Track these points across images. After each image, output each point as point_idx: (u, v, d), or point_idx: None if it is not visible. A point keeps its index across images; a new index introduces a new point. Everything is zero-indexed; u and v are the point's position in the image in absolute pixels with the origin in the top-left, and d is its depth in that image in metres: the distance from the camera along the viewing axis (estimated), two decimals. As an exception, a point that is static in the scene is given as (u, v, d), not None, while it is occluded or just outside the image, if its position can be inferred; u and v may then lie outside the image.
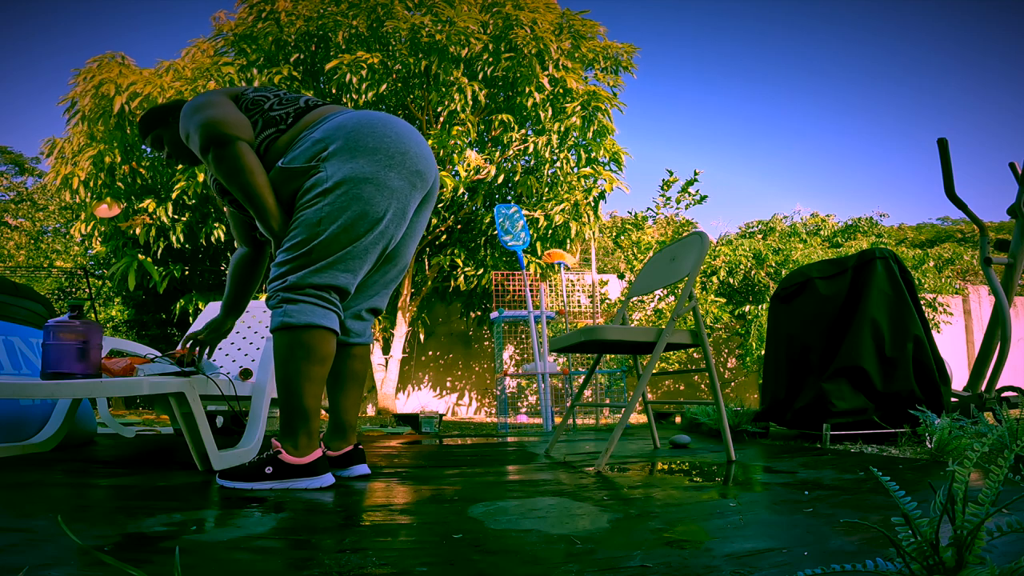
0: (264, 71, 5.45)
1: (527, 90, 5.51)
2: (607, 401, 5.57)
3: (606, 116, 5.76)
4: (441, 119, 5.80)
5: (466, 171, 5.47)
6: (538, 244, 5.99)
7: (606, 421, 5.35)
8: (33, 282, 9.74)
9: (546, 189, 6.00)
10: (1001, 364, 2.74)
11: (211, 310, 2.79)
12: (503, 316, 4.64)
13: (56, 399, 2.27)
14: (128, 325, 8.10)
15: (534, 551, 0.93)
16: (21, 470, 1.74)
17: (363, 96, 5.37)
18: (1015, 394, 2.76)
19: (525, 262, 5.45)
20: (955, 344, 9.16)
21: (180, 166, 5.44)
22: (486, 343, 8.68)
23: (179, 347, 1.90)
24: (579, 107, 5.60)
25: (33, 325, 2.48)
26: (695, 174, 7.58)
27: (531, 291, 4.66)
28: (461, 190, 5.56)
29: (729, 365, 8.93)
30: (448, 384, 8.68)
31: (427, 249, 6.77)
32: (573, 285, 7.65)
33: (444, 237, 6.75)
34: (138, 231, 5.60)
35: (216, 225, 5.79)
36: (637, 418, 5.75)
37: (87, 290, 8.41)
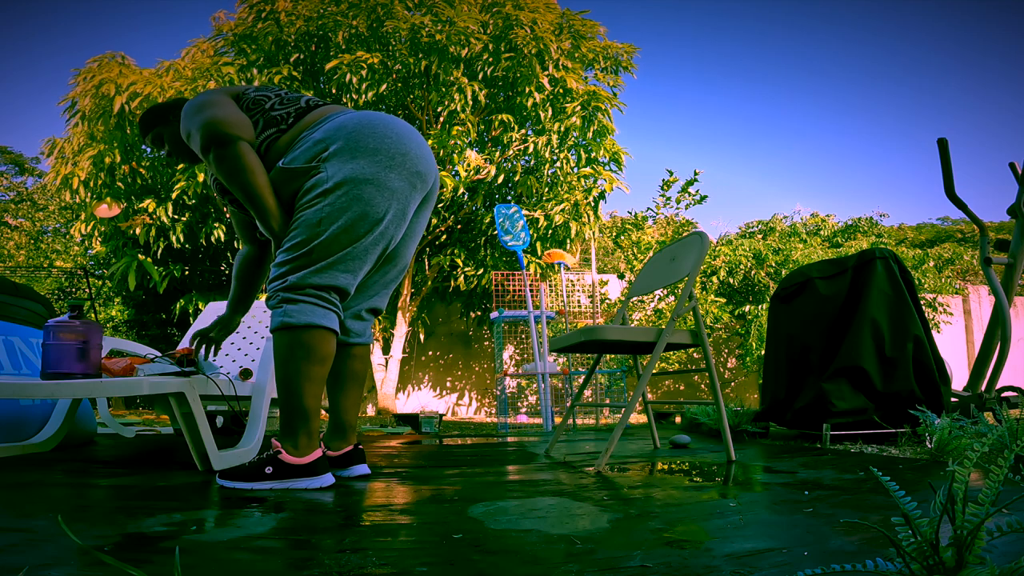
0: (264, 71, 5.45)
1: (527, 90, 5.51)
2: (607, 401, 5.57)
3: (606, 116, 5.76)
4: (441, 119, 5.80)
5: (466, 171, 5.47)
6: (538, 244, 5.99)
7: (606, 421, 5.35)
8: (33, 282, 9.74)
9: (546, 189, 6.01)
10: (1001, 364, 2.74)
11: (211, 310, 2.79)
12: (503, 316, 4.64)
13: (56, 399, 2.27)
14: (128, 325, 8.11)
15: (534, 551, 0.93)
16: (21, 470, 1.74)
17: (363, 96, 5.37)
18: (1015, 394, 2.76)
19: (525, 262, 5.45)
20: (955, 344, 9.16)
21: (180, 166, 5.44)
22: (486, 343, 8.68)
23: (187, 344, 1.91)
24: (579, 107, 5.60)
25: (33, 325, 2.48)
26: (695, 174, 7.59)
27: (531, 291, 4.66)
28: (461, 190, 5.56)
29: (729, 365, 8.93)
30: (448, 384, 8.68)
31: (427, 249, 6.77)
32: (573, 285, 7.65)
33: (444, 237, 6.75)
34: (138, 231, 5.60)
35: (216, 225, 5.79)
36: (637, 418, 5.75)
37: (87, 290, 8.41)
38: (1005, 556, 0.84)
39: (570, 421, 4.58)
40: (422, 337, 7.51)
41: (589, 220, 5.88)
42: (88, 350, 1.64)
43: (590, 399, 4.99)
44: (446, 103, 5.45)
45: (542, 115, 5.62)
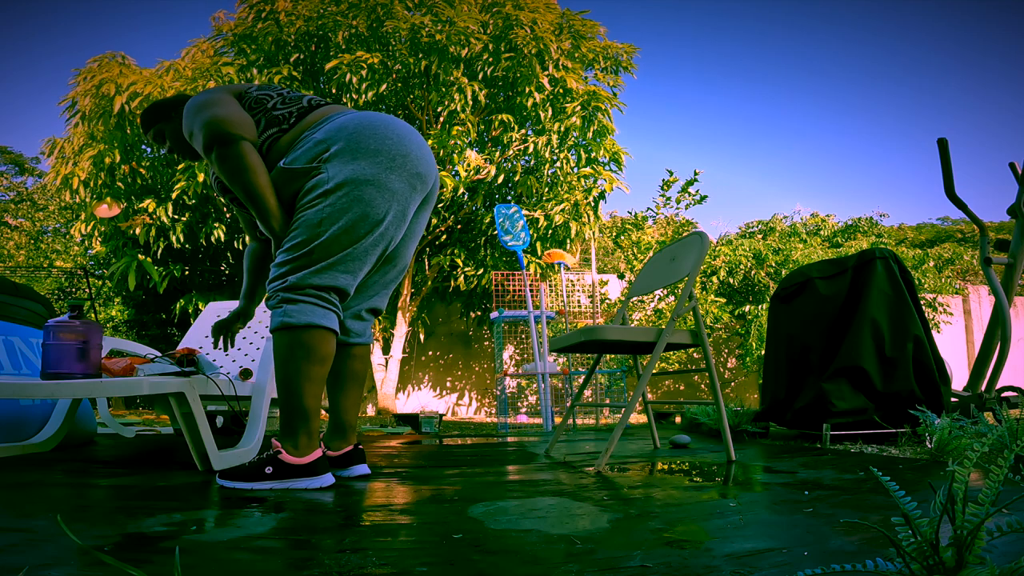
0: (264, 71, 5.46)
1: (527, 90, 5.51)
2: (607, 401, 5.57)
3: (606, 116, 5.76)
4: (441, 119, 5.80)
5: (466, 171, 5.47)
6: (538, 244, 5.99)
7: (606, 421, 5.35)
8: (33, 282, 9.74)
9: (546, 189, 6.01)
10: (1001, 364, 2.74)
11: (211, 310, 2.79)
12: (503, 316, 4.64)
13: (56, 399, 2.27)
14: (128, 325, 8.11)
15: (534, 551, 0.93)
16: (21, 470, 1.74)
17: (363, 96, 5.37)
18: (1015, 394, 2.76)
19: (525, 262, 5.45)
20: (955, 344, 9.16)
21: (180, 166, 5.44)
22: (486, 343, 8.68)
23: (187, 344, 1.91)
24: (579, 107, 5.61)
25: (33, 325, 2.48)
26: (695, 174, 7.59)
27: (531, 291, 4.66)
28: (461, 190, 5.56)
29: (729, 365, 8.93)
30: (448, 384, 8.68)
31: (427, 249, 6.77)
32: (573, 285, 7.65)
33: (444, 237, 6.75)
34: (138, 231, 5.60)
35: (216, 225, 5.79)
36: (637, 418, 5.75)
37: (87, 290, 8.41)
38: (1005, 556, 0.84)
39: (570, 421, 4.58)
40: (422, 337, 7.51)
41: (589, 220, 5.88)
42: (88, 350, 1.64)
43: (590, 399, 4.99)
44: (446, 103, 5.45)
45: (542, 115, 5.62)
